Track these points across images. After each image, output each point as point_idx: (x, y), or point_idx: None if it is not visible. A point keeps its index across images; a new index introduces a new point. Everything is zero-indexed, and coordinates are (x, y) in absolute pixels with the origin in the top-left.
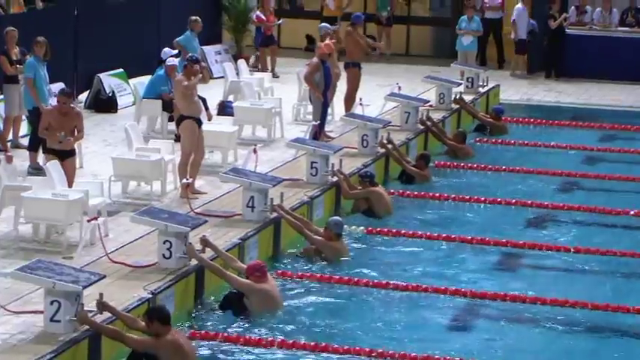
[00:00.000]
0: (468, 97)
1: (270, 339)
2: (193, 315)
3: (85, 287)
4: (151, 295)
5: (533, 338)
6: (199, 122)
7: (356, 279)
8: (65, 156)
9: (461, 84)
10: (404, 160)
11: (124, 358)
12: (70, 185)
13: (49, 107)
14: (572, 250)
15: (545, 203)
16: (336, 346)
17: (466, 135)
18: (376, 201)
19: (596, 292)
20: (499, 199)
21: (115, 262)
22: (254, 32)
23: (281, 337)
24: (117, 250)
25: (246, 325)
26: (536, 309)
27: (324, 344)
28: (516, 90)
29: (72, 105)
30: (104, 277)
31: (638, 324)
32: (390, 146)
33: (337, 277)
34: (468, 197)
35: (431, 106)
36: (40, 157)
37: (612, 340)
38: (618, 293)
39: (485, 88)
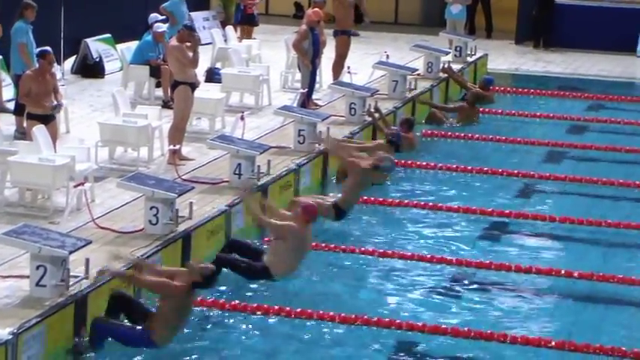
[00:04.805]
0: (456, 66)
1: (265, 306)
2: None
3: (71, 252)
4: None
5: (519, 307)
6: (193, 88)
7: (350, 247)
8: (47, 120)
9: (449, 53)
10: (388, 129)
11: None
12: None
13: (28, 72)
14: (557, 219)
15: (532, 173)
16: (332, 314)
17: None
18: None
19: (581, 262)
20: (486, 169)
21: (102, 228)
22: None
23: (277, 305)
24: (103, 215)
25: (237, 292)
26: (522, 278)
27: (321, 312)
28: (504, 59)
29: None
30: (90, 242)
31: (622, 293)
32: (377, 115)
33: (332, 245)
34: (455, 167)
35: (419, 74)
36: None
37: (596, 309)
38: (603, 262)
39: (474, 58)
